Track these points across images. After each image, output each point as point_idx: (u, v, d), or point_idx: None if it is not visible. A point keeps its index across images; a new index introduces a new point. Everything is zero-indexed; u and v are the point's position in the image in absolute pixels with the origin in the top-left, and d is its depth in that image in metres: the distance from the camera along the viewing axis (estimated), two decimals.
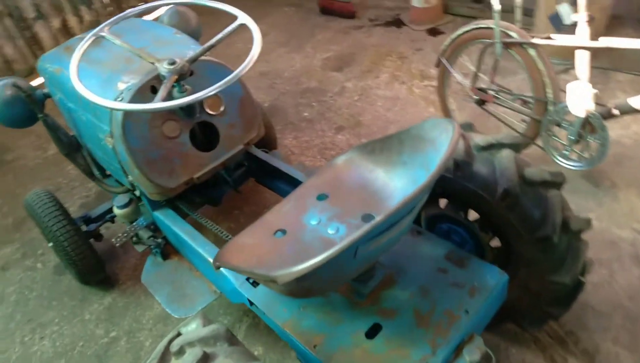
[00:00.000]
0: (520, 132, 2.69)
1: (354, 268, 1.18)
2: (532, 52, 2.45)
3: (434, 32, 4.41)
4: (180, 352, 1.23)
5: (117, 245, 2.07)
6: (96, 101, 1.48)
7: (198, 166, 1.91)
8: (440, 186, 1.70)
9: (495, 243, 1.79)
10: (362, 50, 4.38)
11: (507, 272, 1.82)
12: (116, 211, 2.11)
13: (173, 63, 1.61)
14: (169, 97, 1.61)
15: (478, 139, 1.65)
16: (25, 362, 2.26)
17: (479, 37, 2.68)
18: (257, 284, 1.64)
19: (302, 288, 1.19)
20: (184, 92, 1.67)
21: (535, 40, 2.42)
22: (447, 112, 3.09)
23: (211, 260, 1.69)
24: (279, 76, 4.23)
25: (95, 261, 2.35)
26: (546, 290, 1.65)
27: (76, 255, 2.25)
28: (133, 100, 1.72)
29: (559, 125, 2.46)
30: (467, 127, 1.78)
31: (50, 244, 2.34)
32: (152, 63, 1.65)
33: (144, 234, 2.12)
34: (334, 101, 3.75)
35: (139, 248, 2.17)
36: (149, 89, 1.78)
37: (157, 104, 1.47)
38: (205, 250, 1.80)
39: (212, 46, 1.66)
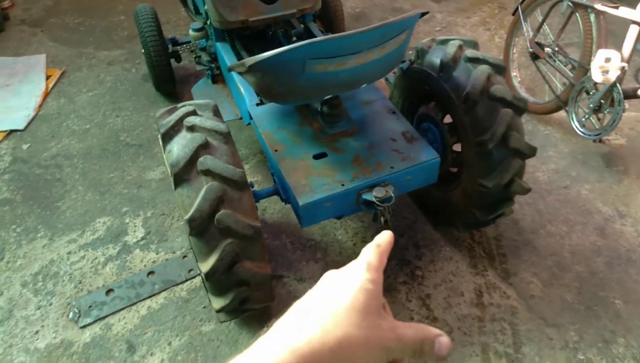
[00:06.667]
0: (556, 94, 2.81)
1: (307, 82, 1.58)
2: (592, 17, 2.53)
3: None
4: (192, 129, 1.59)
5: (181, 52, 2.67)
6: None
7: (255, 12, 2.37)
8: (428, 84, 2.03)
9: (457, 148, 2.10)
10: None
11: (455, 176, 2.16)
12: (191, 33, 2.68)
13: None
14: None
15: (469, 52, 1.93)
16: (102, 127, 3.03)
17: None
18: (260, 105, 2.12)
19: (266, 84, 1.63)
20: None
21: (597, 6, 2.49)
22: (507, 61, 3.24)
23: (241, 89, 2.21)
24: None
25: (169, 73, 2.99)
26: (475, 192, 1.96)
27: (156, 62, 2.89)
28: None
29: (587, 92, 2.57)
30: (472, 44, 2.04)
31: (143, 50, 3.00)
32: None
33: (205, 57, 2.69)
34: (417, 25, 3.97)
35: (198, 67, 2.75)
36: None
37: None
38: (237, 79, 2.31)
39: None
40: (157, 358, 1.96)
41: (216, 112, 1.75)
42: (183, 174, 1.54)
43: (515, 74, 3.18)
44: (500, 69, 1.92)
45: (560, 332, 2.03)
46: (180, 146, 1.57)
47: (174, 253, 2.33)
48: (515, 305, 2.12)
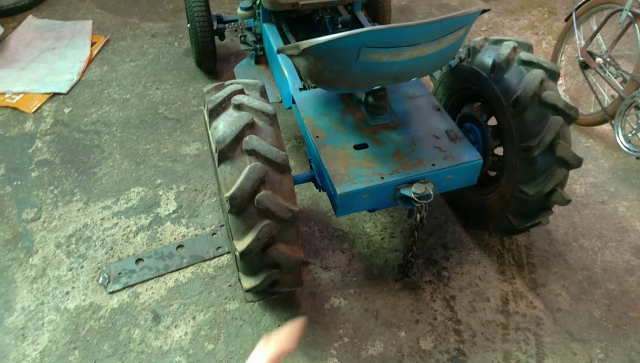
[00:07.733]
0: (603, 106, 2.73)
1: (358, 71, 1.57)
2: None
3: None
4: (239, 108, 1.58)
5: (227, 29, 2.69)
6: None
7: None
8: (476, 83, 1.99)
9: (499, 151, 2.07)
10: None
11: (493, 179, 2.13)
12: (239, 11, 2.68)
13: None
14: None
15: (524, 54, 1.88)
16: (141, 98, 3.07)
17: (612, 1, 2.68)
18: (303, 90, 2.12)
19: (317, 69, 1.62)
20: None
21: None
22: None
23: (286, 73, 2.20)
24: None
25: (211, 50, 3.00)
26: (514, 198, 1.93)
27: (201, 38, 2.90)
28: None
29: (638, 107, 2.49)
30: (526, 47, 1.99)
31: (188, 25, 3.01)
32: None
33: (250, 37, 2.69)
34: None
35: (243, 47, 2.75)
36: None
37: None
38: (283, 61, 2.30)
39: None
40: (181, 330, 1.99)
41: (263, 93, 1.76)
42: (227, 152, 1.55)
43: (560, 82, 3.09)
44: (555, 75, 1.87)
45: (585, 348, 1.99)
46: (226, 124, 1.58)
47: (204, 229, 2.36)
48: (541, 316, 2.09)
